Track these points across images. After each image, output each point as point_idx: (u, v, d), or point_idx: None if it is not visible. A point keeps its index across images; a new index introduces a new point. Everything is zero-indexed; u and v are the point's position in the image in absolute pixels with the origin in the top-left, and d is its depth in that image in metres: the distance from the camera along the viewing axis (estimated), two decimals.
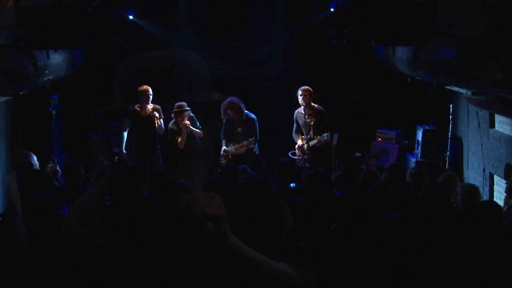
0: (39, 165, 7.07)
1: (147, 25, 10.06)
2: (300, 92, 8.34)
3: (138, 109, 8.30)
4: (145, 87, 8.25)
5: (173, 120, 8.50)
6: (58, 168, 7.12)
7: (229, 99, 8.55)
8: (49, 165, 7.12)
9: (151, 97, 8.25)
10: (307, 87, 8.39)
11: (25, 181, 5.78)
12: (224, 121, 8.69)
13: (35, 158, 6.94)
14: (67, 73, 8.34)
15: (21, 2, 6.25)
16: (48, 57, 6.58)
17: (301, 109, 8.44)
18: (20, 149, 7.28)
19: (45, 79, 7.25)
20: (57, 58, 7.38)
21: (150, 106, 8.32)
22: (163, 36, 10.28)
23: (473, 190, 5.99)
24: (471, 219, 5.05)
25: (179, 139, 8.40)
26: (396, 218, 4.68)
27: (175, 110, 8.44)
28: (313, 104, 8.42)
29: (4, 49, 6.34)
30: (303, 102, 8.29)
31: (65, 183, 6.91)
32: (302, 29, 10.45)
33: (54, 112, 8.93)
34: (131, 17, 9.71)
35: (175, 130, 8.47)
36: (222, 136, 8.75)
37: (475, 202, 5.90)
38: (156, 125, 8.21)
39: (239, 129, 8.57)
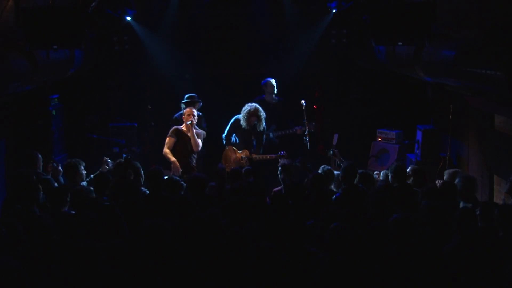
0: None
1: (142, 28, 10.05)
2: (264, 86, 9.38)
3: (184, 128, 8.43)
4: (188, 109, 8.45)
5: (181, 112, 8.74)
6: (60, 168, 7.10)
7: (253, 105, 8.61)
8: (50, 165, 7.11)
9: (191, 117, 8.33)
10: (269, 79, 9.44)
11: (26, 182, 5.77)
12: (232, 126, 8.72)
13: (40, 158, 6.92)
14: (67, 73, 8.33)
15: (21, 2, 6.24)
16: (48, 57, 6.57)
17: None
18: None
19: (45, 79, 7.23)
20: (57, 59, 7.37)
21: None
22: (162, 36, 10.27)
23: (471, 182, 6.01)
24: (471, 219, 5.05)
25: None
26: (397, 219, 4.67)
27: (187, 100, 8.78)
28: (274, 96, 9.44)
29: (4, 49, 6.33)
30: (266, 93, 9.34)
31: (65, 182, 6.90)
32: (302, 29, 10.45)
33: (54, 112, 8.92)
34: (128, 18, 9.69)
35: (178, 121, 8.72)
36: (227, 141, 8.76)
37: (472, 194, 5.95)
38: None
39: (253, 137, 8.61)
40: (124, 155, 7.05)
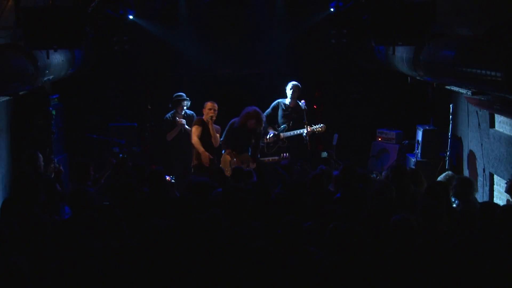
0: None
1: (147, 25, 10.07)
2: (290, 86, 9.07)
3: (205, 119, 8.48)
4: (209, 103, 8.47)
5: (172, 112, 8.92)
6: (61, 168, 7.09)
7: (251, 108, 8.49)
8: (52, 165, 7.10)
9: (212, 111, 8.36)
10: (297, 83, 9.10)
11: (27, 182, 5.77)
12: (230, 129, 8.55)
13: (41, 158, 6.91)
14: (67, 73, 8.33)
15: (21, 2, 6.24)
16: (48, 57, 6.57)
17: (285, 101, 9.17)
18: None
19: (45, 79, 7.24)
20: (57, 58, 7.37)
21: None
22: (162, 36, 10.28)
23: (468, 183, 6.01)
24: (470, 219, 5.05)
25: (171, 132, 8.75)
26: (398, 220, 4.67)
27: (174, 100, 8.80)
28: (298, 101, 9.16)
29: (4, 49, 6.33)
30: (292, 96, 9.07)
31: (72, 182, 6.89)
32: (302, 29, 10.45)
33: (54, 112, 8.91)
34: (131, 17, 9.71)
35: (169, 121, 8.84)
36: (225, 145, 8.60)
37: (470, 196, 5.95)
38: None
39: (253, 141, 8.54)
40: (120, 155, 7.04)
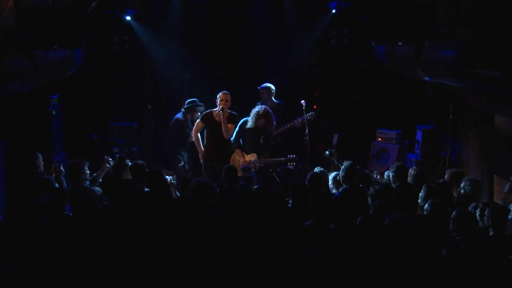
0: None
1: (142, 28, 10.06)
2: (261, 91, 9.15)
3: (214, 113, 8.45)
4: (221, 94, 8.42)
5: (181, 112, 8.95)
6: (62, 168, 7.10)
7: (263, 107, 8.46)
8: (53, 165, 7.11)
9: (224, 102, 8.32)
10: (265, 85, 9.16)
11: (29, 183, 5.78)
12: (241, 128, 8.47)
13: (40, 158, 6.91)
14: (67, 73, 8.33)
15: (21, 2, 6.24)
16: (48, 57, 6.58)
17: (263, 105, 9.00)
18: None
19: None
20: (57, 58, 7.38)
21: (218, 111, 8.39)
22: (162, 36, 10.28)
23: (477, 183, 6.03)
24: (472, 220, 5.06)
25: (195, 129, 8.65)
26: (395, 219, 4.67)
27: (189, 106, 8.86)
28: (274, 100, 9.18)
29: (4, 49, 6.33)
30: (263, 99, 9.12)
31: (72, 182, 6.90)
32: (302, 29, 10.45)
33: (54, 112, 8.92)
34: (128, 18, 9.69)
35: (181, 121, 8.93)
36: (235, 145, 8.54)
37: (479, 197, 5.96)
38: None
39: (261, 140, 8.51)
40: (117, 155, 7.05)
